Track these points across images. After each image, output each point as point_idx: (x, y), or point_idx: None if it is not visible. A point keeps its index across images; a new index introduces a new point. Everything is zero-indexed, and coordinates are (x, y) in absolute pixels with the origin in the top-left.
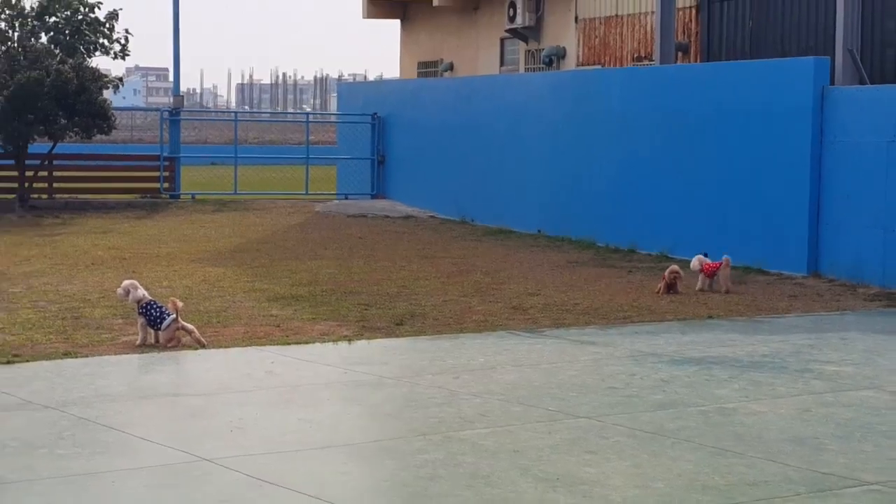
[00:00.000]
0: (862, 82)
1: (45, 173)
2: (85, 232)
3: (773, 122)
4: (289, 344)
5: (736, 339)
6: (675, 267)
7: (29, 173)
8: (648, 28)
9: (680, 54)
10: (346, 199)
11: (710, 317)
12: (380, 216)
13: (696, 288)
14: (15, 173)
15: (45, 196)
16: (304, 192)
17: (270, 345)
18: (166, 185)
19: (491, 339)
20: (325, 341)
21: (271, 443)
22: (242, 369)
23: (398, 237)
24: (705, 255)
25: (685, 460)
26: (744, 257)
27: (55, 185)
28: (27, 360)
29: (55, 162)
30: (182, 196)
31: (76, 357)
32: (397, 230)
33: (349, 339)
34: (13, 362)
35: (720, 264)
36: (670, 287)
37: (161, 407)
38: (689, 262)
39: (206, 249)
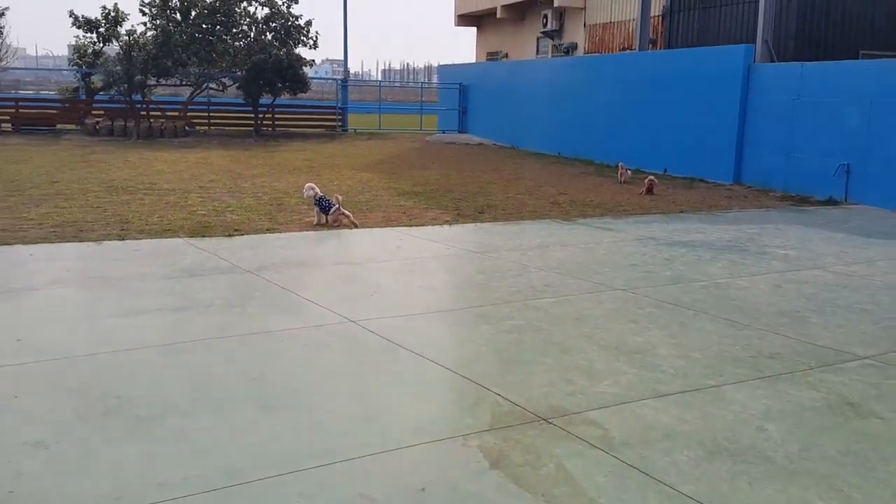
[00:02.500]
0: (773, 61)
1: (269, 116)
2: (290, 150)
3: (716, 85)
4: (411, 226)
5: (705, 228)
6: (652, 177)
7: (260, 116)
8: (631, 30)
9: (651, 46)
10: (444, 133)
11: (682, 211)
12: (463, 143)
13: (620, 181)
14: (251, 115)
15: (269, 129)
16: (419, 129)
17: (399, 226)
18: (340, 123)
19: (542, 225)
20: (433, 224)
21: (400, 307)
22: (381, 244)
23: (475, 156)
24: (624, 164)
25: (708, 331)
26: (692, 171)
27: (276, 122)
28: (242, 234)
29: (276, 109)
30: (349, 130)
31: (275, 232)
32: (474, 152)
33: (450, 223)
34: (233, 235)
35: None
36: (649, 190)
37: (324, 273)
38: (655, 173)
39: (360, 162)
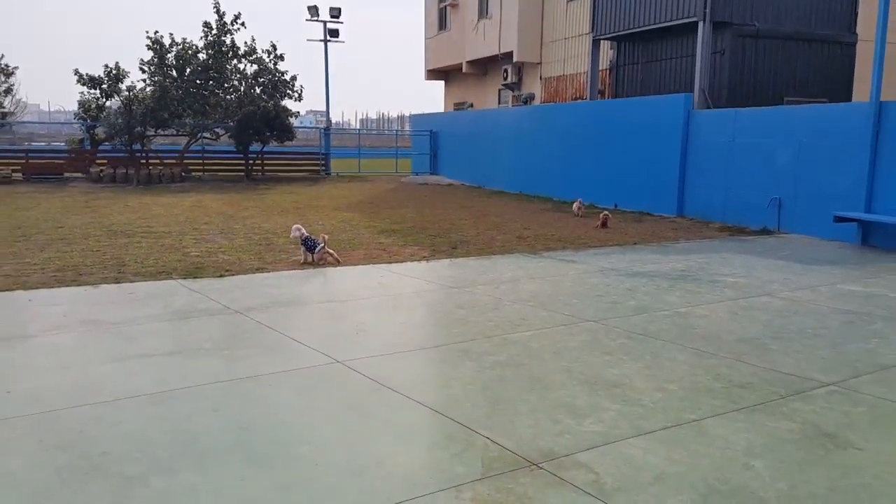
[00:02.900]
0: (709, 108)
1: (259, 162)
2: (279, 193)
3: (660, 129)
4: (391, 262)
5: (658, 258)
6: (606, 212)
7: (250, 162)
8: (582, 81)
9: (599, 95)
10: (417, 175)
11: (636, 243)
12: (434, 184)
13: (577, 215)
14: (242, 162)
15: (258, 173)
16: (395, 171)
17: (380, 263)
18: (323, 168)
19: (511, 259)
20: (412, 260)
21: (384, 345)
22: (363, 281)
23: (445, 195)
24: (581, 201)
25: (679, 361)
26: (640, 206)
27: (265, 167)
28: (233, 274)
29: (265, 156)
30: (332, 174)
31: (264, 272)
32: (444, 191)
33: (426, 259)
34: (224, 276)
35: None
36: (604, 224)
37: (311, 311)
38: (608, 207)
39: (343, 202)
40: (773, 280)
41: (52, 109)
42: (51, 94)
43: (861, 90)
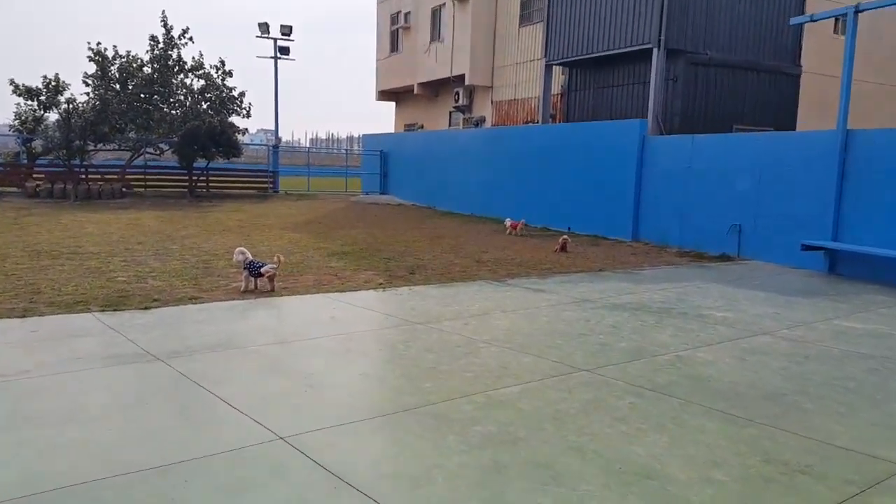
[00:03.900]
0: (662, 134)
1: (203, 178)
2: (223, 211)
3: (614, 154)
4: (344, 290)
5: (631, 287)
6: (566, 236)
7: (194, 178)
8: (533, 105)
9: (551, 120)
10: (367, 194)
11: (601, 269)
12: (385, 203)
13: (507, 233)
14: (186, 178)
15: (203, 190)
16: (345, 190)
17: (332, 291)
18: (271, 185)
19: (475, 288)
20: (366, 287)
21: (340, 409)
22: (313, 315)
23: (397, 215)
24: (512, 219)
25: (710, 432)
26: (594, 229)
27: (210, 184)
28: (161, 305)
29: (210, 172)
30: (280, 192)
31: (196, 302)
32: (396, 211)
33: (383, 287)
34: (150, 307)
35: (520, 224)
36: (563, 248)
37: (248, 358)
38: (561, 231)
39: (291, 222)
40: (762, 315)
41: None
42: None
43: (806, 118)
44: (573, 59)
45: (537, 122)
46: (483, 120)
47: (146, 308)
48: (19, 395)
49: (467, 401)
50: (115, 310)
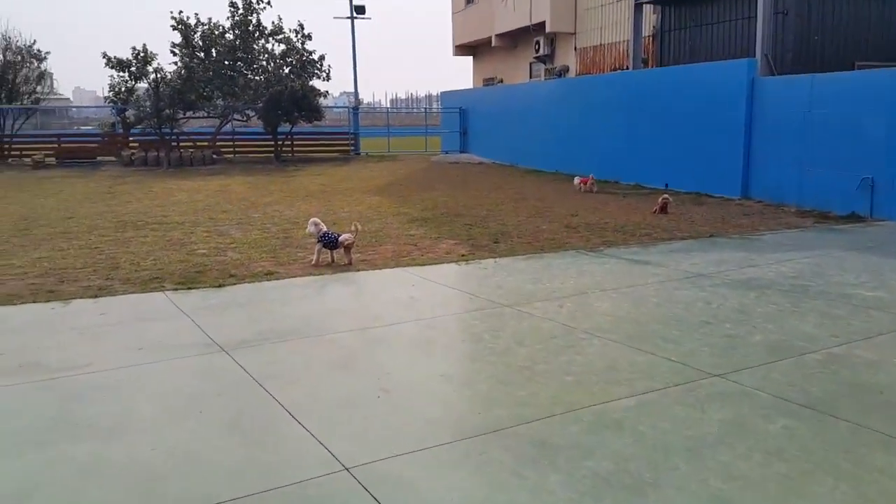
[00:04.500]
0: (772, 74)
1: (288, 142)
2: (307, 175)
3: (719, 100)
4: (424, 264)
5: (752, 258)
6: (666, 196)
7: (279, 143)
8: (621, 51)
9: (643, 65)
10: (447, 154)
11: (712, 235)
12: (465, 163)
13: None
14: (271, 143)
15: (288, 154)
16: (424, 150)
17: (411, 265)
18: (352, 148)
19: (567, 259)
20: (448, 260)
21: (418, 428)
22: (391, 294)
23: (478, 175)
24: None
25: None
26: (695, 185)
27: (294, 148)
28: (237, 282)
29: (294, 136)
30: (361, 154)
31: (272, 278)
32: (476, 171)
33: (465, 259)
34: (224, 285)
35: (590, 179)
36: (663, 209)
37: (319, 351)
38: (656, 189)
39: (371, 185)
40: None
41: (91, 91)
42: (77, 77)
43: None
44: None
45: (627, 69)
46: (566, 70)
47: (220, 286)
48: (71, 395)
49: (572, 417)
50: (189, 288)
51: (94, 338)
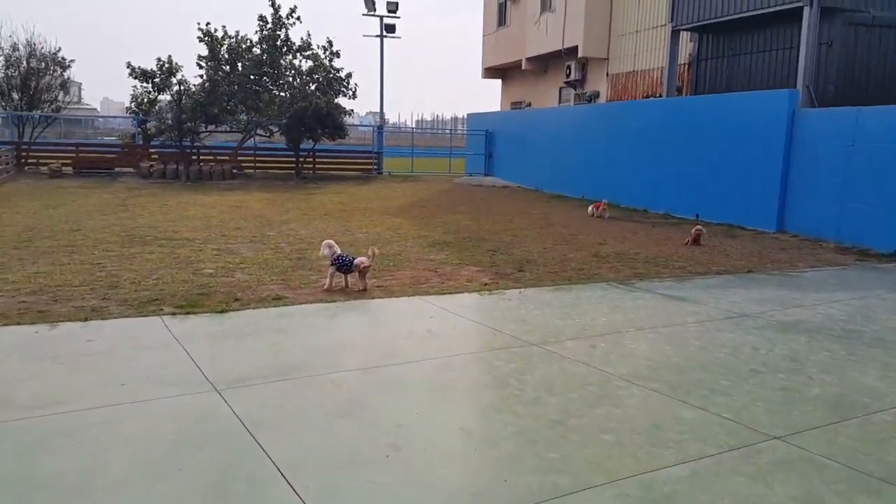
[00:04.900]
0: (814, 106)
1: (310, 159)
2: (327, 193)
3: (757, 130)
4: (444, 293)
5: (795, 297)
6: (699, 227)
7: (301, 160)
8: (654, 78)
9: (677, 92)
10: (471, 176)
11: (749, 270)
12: (489, 185)
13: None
14: (293, 159)
15: (309, 171)
16: (448, 172)
17: (430, 293)
18: (375, 167)
19: (598, 292)
20: (470, 289)
21: (432, 497)
22: (407, 327)
23: (503, 199)
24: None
25: None
26: (728, 217)
27: (316, 165)
28: (241, 307)
29: (317, 154)
30: (384, 173)
31: (280, 304)
32: (501, 194)
33: (489, 288)
34: (226, 311)
35: (602, 205)
36: (696, 241)
37: (322, 392)
38: (686, 219)
39: (392, 205)
40: None
41: (111, 101)
42: (105, 88)
43: None
44: (704, 22)
45: (660, 96)
46: (596, 95)
47: (222, 311)
48: (35, 441)
49: (614, 491)
50: (188, 312)
51: (74, 368)
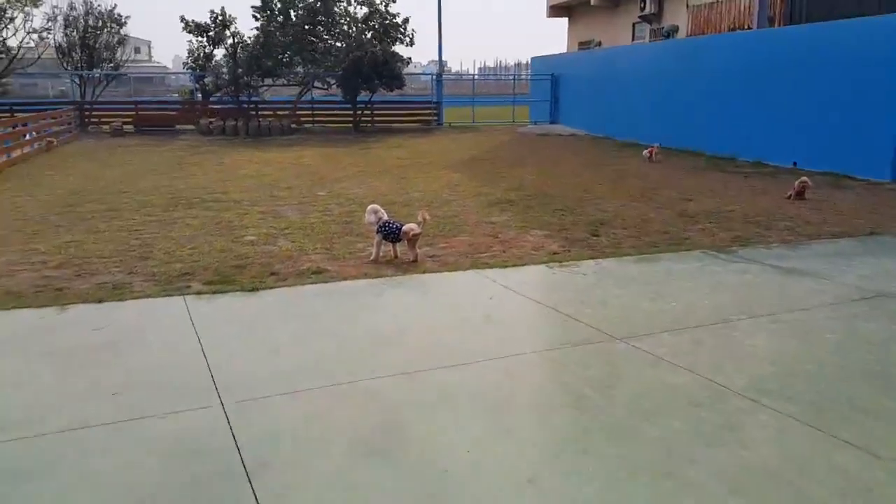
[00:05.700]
0: None
1: (368, 111)
2: (384, 147)
3: (870, 64)
4: (506, 265)
5: None
6: (805, 178)
7: (358, 112)
8: (742, 7)
9: (769, 24)
10: (535, 124)
11: (873, 231)
12: (555, 135)
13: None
14: (350, 112)
15: (368, 125)
16: (511, 121)
17: (490, 265)
18: (435, 118)
19: (692, 264)
20: (535, 259)
21: None
22: (461, 310)
23: (570, 149)
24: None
25: None
26: (831, 165)
27: (374, 118)
28: (275, 282)
29: (374, 105)
30: (443, 124)
31: (319, 279)
32: (568, 144)
33: (559, 259)
34: (258, 288)
35: (655, 149)
36: (800, 194)
37: (346, 411)
38: (783, 167)
39: (452, 159)
40: None
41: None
42: (177, 45)
43: None
44: None
45: (748, 29)
46: (675, 30)
47: (253, 289)
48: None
49: None
50: (216, 291)
51: (64, 370)
